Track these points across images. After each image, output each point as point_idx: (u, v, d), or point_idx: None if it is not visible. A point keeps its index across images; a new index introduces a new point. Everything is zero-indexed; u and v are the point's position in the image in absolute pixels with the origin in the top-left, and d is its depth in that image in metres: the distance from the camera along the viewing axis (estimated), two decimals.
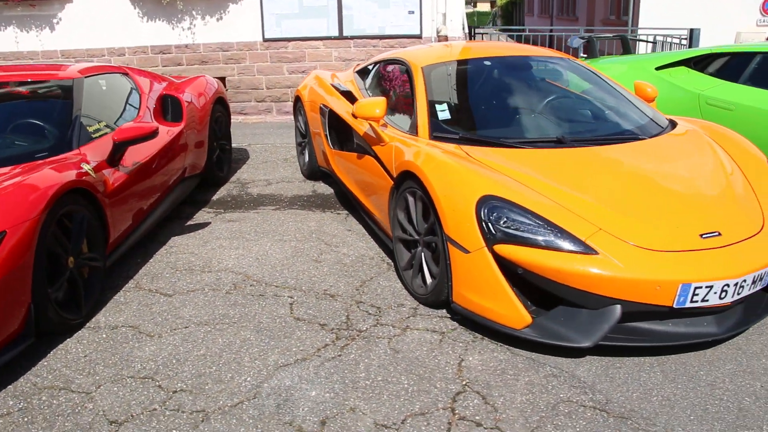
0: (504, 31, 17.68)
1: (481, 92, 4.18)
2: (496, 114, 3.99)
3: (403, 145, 3.56)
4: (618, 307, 2.71)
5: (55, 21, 8.78)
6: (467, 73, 4.33)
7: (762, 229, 2.94)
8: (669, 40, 9.01)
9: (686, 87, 5.43)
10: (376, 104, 3.78)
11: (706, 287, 2.66)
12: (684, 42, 8.60)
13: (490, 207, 2.86)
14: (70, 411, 2.61)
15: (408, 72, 4.18)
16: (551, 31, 15.24)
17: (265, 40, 8.50)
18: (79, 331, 3.24)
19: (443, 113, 3.79)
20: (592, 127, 3.86)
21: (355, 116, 3.91)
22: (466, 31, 8.63)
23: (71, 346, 3.10)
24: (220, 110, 5.78)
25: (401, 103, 4.21)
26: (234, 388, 2.73)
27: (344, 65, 8.37)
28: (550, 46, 10.15)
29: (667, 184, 3.19)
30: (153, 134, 3.86)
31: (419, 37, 8.18)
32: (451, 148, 3.41)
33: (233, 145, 6.56)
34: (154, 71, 8.66)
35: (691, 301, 2.68)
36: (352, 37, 8.33)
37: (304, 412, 2.56)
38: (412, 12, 8.14)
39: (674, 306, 2.68)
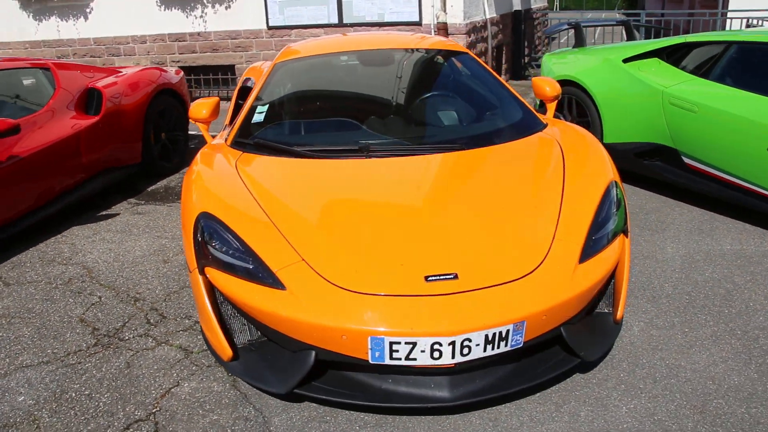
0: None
1: (316, 92, 3.95)
2: (314, 118, 3.74)
3: (201, 153, 3.46)
4: (312, 353, 2.38)
5: (88, 11, 9.36)
6: (316, 69, 4.10)
7: (532, 272, 2.42)
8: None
9: (650, 83, 4.78)
10: (204, 105, 3.70)
11: (407, 344, 2.23)
12: None
13: (204, 225, 2.72)
14: None
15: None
16: (662, 15, 13.97)
17: (270, 27, 8.57)
18: None
19: (259, 116, 3.61)
20: (419, 133, 3.50)
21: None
22: (488, 16, 8.19)
23: None
24: (167, 101, 5.91)
25: None
26: None
27: None
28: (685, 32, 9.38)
29: (431, 209, 2.79)
30: (11, 130, 4.03)
31: (419, 24, 7.89)
32: (230, 157, 3.26)
33: None
34: (172, 58, 9.04)
35: (392, 358, 2.28)
36: (352, 25, 8.19)
37: None
38: None
39: (370, 362, 2.33)
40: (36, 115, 4.67)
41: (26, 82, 4.90)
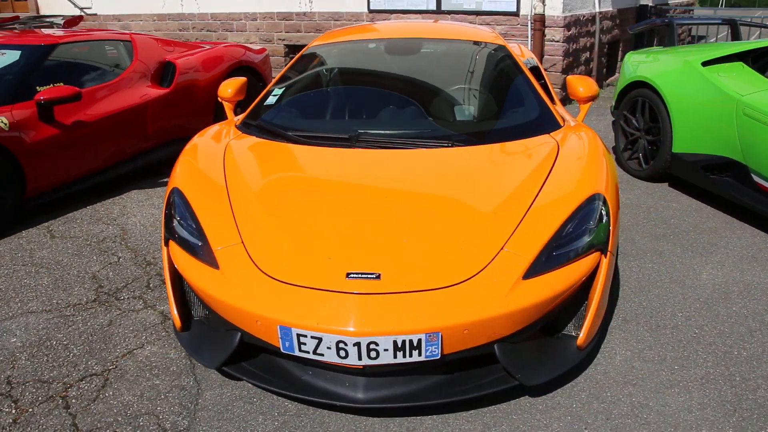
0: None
1: (331, 78, 3.91)
2: (321, 104, 3.72)
3: (205, 129, 3.56)
4: (238, 334, 2.43)
5: None
6: (341, 56, 4.06)
7: (462, 282, 2.30)
8: None
9: (725, 89, 4.29)
10: (230, 84, 3.83)
11: (312, 338, 2.21)
12: None
13: (171, 201, 2.84)
14: None
15: None
16: None
17: (371, 11, 8.62)
18: None
19: (273, 98, 3.66)
20: (417, 127, 3.35)
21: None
22: (598, 9, 7.68)
23: None
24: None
25: None
26: None
27: None
28: None
29: (385, 205, 2.66)
30: (74, 96, 4.41)
31: (516, 14, 7.60)
32: (226, 137, 3.35)
33: None
34: (278, 36, 9.38)
35: (301, 351, 2.26)
36: (449, 12, 8.04)
37: None
38: None
39: (282, 350, 2.32)
40: (109, 83, 5.06)
41: (108, 52, 5.31)
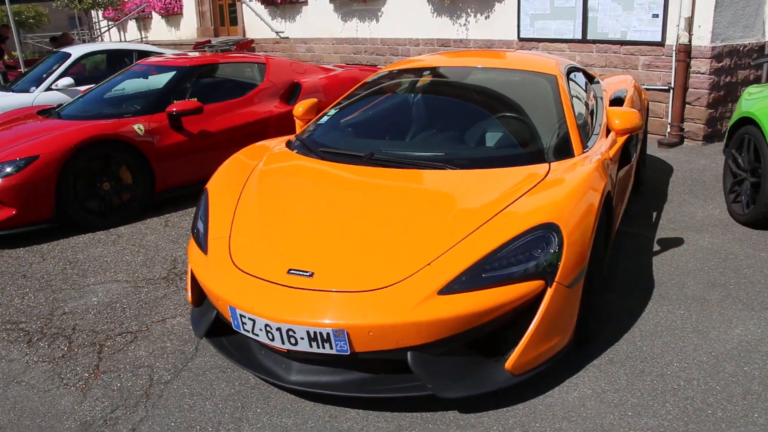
0: None
1: (375, 101, 4.22)
2: (356, 124, 4.02)
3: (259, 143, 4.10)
4: (214, 312, 2.94)
5: (379, 14, 10.77)
6: (394, 81, 4.36)
7: (378, 289, 2.53)
8: None
9: None
10: (303, 104, 4.36)
11: (249, 319, 2.59)
12: None
13: (202, 198, 3.41)
14: None
15: None
16: None
17: (520, 39, 8.76)
18: None
19: (325, 118, 4.10)
20: (430, 150, 3.54)
21: None
22: (762, 40, 7.02)
23: None
24: None
25: None
26: None
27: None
28: None
29: (351, 216, 2.95)
30: (197, 110, 5.29)
31: (661, 44, 7.25)
32: (270, 150, 3.84)
33: None
34: None
35: (244, 330, 2.64)
36: (594, 41, 7.90)
37: None
38: (656, 15, 7.24)
39: (233, 327, 2.73)
40: (238, 99, 5.92)
41: (243, 73, 6.20)
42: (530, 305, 2.64)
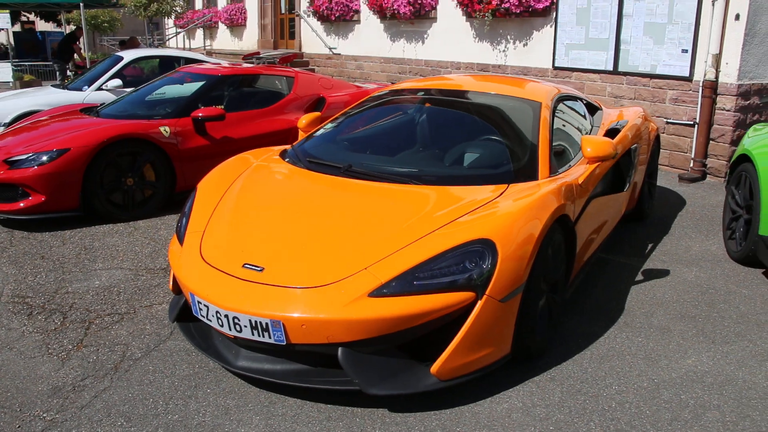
0: None
1: (373, 118, 4.46)
2: (344, 139, 4.26)
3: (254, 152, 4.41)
4: (183, 298, 3.23)
5: (425, 37, 11.05)
6: (387, 101, 4.61)
7: (315, 287, 2.76)
8: None
9: None
10: (306, 117, 4.66)
11: (204, 305, 2.85)
12: None
13: (191, 196, 3.73)
14: None
15: None
16: None
17: (555, 68, 8.86)
18: None
19: (321, 131, 4.39)
20: (404, 167, 3.74)
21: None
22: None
23: None
24: None
25: None
26: None
27: (614, 102, 8.10)
28: None
29: (314, 221, 3.21)
30: (219, 116, 5.67)
31: (689, 79, 7.24)
32: (264, 157, 4.13)
33: None
34: None
35: (201, 315, 2.92)
36: (625, 74, 7.94)
37: None
38: (686, 51, 7.24)
39: (193, 312, 3.02)
40: (263, 109, 6.29)
41: (271, 85, 6.57)
42: (460, 315, 2.81)
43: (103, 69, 7.96)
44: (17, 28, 25.56)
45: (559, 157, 3.94)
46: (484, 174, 3.64)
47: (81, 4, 10.67)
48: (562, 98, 4.47)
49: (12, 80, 11.61)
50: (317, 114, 4.73)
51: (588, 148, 3.71)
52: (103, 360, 3.28)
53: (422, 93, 4.59)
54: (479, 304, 2.80)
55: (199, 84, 6.19)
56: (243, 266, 2.96)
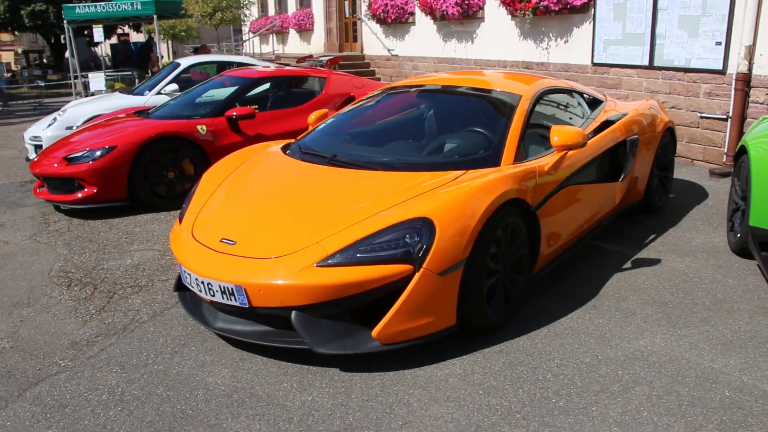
0: None
1: (368, 113, 4.83)
2: (339, 132, 4.66)
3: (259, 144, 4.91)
4: (180, 265, 3.78)
5: (474, 36, 11.30)
6: (391, 94, 4.97)
7: (274, 258, 3.17)
8: None
9: None
10: (315, 114, 5.13)
11: (188, 274, 3.35)
12: None
13: (198, 183, 4.27)
14: None
15: None
16: None
17: (594, 64, 8.92)
18: None
19: (323, 125, 4.83)
20: (386, 156, 4.10)
21: None
22: None
23: None
24: None
25: None
26: None
27: (650, 96, 8.10)
28: None
29: (291, 204, 3.64)
30: (250, 115, 6.23)
31: (722, 72, 7.17)
32: (268, 148, 4.62)
33: None
34: None
35: (186, 282, 3.43)
36: (660, 68, 7.92)
37: None
38: (720, 43, 7.17)
39: (182, 280, 3.53)
40: (293, 108, 6.82)
41: (305, 86, 7.09)
42: (401, 286, 3.16)
43: (163, 75, 8.75)
44: (114, 40, 27.63)
45: (538, 147, 4.18)
46: (448, 161, 3.96)
47: (155, 17, 11.85)
48: (550, 92, 4.69)
49: (105, 88, 12.86)
50: (324, 111, 5.18)
51: (555, 137, 3.93)
52: (116, 322, 3.86)
53: (415, 89, 4.94)
54: (416, 276, 3.13)
55: (236, 87, 6.78)
56: (220, 241, 3.44)
